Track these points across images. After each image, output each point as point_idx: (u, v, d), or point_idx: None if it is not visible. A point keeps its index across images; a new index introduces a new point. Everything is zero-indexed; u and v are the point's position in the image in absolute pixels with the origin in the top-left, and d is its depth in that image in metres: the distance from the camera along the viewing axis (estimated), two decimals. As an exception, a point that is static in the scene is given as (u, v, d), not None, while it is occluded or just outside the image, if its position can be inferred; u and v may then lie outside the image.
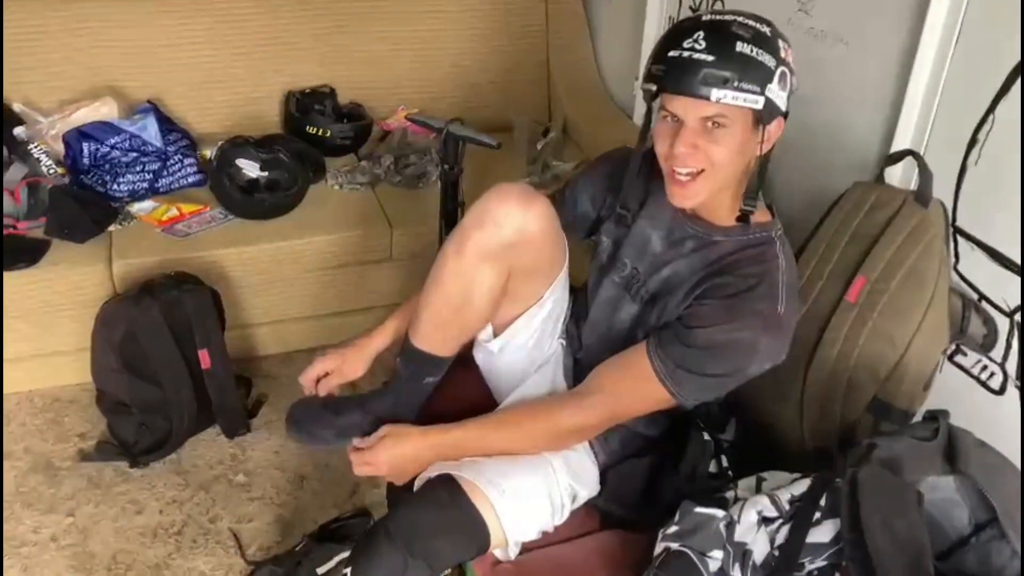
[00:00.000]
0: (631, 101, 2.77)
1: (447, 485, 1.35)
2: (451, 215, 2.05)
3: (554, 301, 1.55)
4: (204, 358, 2.06)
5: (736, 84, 1.19)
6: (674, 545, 1.26)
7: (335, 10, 2.82)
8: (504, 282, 1.46)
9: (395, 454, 1.42)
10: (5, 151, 2.30)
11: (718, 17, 1.24)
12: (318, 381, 1.61)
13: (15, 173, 2.28)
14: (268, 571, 1.86)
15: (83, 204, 2.25)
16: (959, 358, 1.62)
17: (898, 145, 1.65)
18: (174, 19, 2.66)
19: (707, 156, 1.26)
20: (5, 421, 2.27)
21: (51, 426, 2.25)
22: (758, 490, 1.39)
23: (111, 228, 2.30)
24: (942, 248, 1.41)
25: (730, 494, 1.38)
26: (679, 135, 1.26)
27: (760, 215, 1.37)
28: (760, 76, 1.21)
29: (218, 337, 2.08)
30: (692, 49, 1.20)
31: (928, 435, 1.19)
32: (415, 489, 1.40)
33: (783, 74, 1.23)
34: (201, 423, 2.17)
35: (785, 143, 2.03)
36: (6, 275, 2.12)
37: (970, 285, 1.57)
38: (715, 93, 1.19)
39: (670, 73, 1.22)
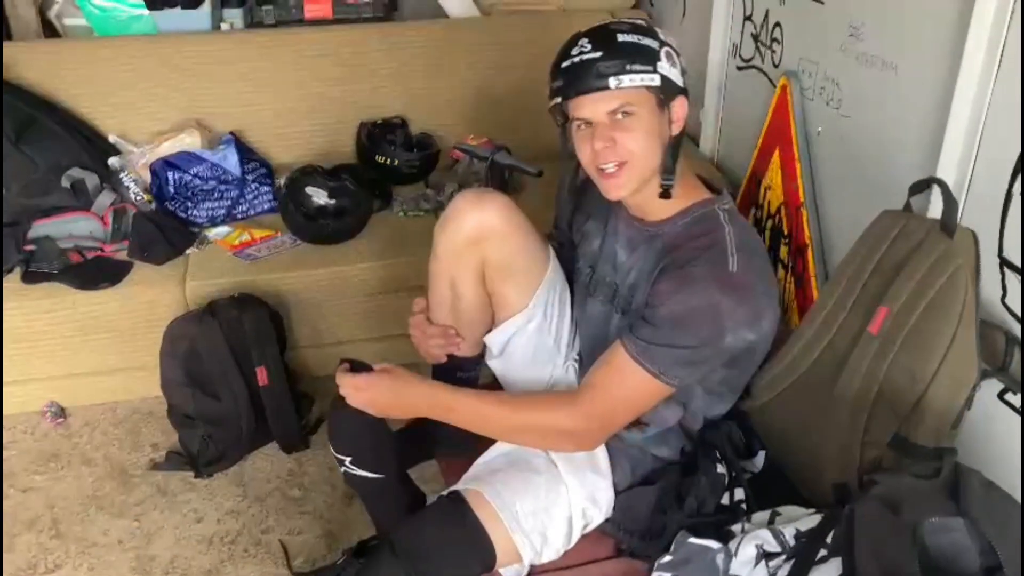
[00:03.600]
0: (697, 128, 2.75)
1: (456, 502, 1.39)
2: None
3: (545, 312, 1.60)
4: (261, 375, 2.16)
5: (629, 68, 1.29)
6: (667, 575, 1.25)
7: (412, 43, 2.94)
8: (482, 271, 1.57)
9: (386, 394, 1.41)
10: (97, 179, 2.50)
11: (596, 25, 1.35)
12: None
13: (104, 200, 2.47)
14: (309, 583, 1.93)
15: (163, 229, 2.41)
16: (1009, 396, 1.54)
17: (942, 172, 1.58)
18: (258, 58, 2.83)
19: (624, 147, 1.33)
20: (91, 429, 2.44)
21: (129, 436, 2.41)
22: (771, 524, 1.36)
23: (188, 251, 2.45)
24: (969, 280, 1.34)
25: (737, 527, 1.35)
26: (595, 135, 1.34)
27: (698, 193, 1.44)
28: (648, 56, 1.31)
29: (275, 355, 2.19)
30: (581, 53, 1.31)
31: (930, 473, 1.14)
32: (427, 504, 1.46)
33: (669, 53, 1.33)
34: (260, 438, 2.27)
35: (834, 169, 2.01)
36: (91, 294, 2.29)
37: (1018, 319, 1.48)
38: (612, 81, 1.29)
39: (568, 80, 1.32)
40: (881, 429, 1.37)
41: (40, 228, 2.39)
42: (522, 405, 1.45)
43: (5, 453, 2.35)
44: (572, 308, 1.65)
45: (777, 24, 2.24)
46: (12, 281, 2.31)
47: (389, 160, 2.76)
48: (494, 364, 1.68)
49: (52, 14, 3.11)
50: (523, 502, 1.39)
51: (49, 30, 3.13)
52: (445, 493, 1.44)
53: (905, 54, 1.75)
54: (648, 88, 1.31)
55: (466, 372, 1.70)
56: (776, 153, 2.20)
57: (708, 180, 1.51)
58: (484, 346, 1.68)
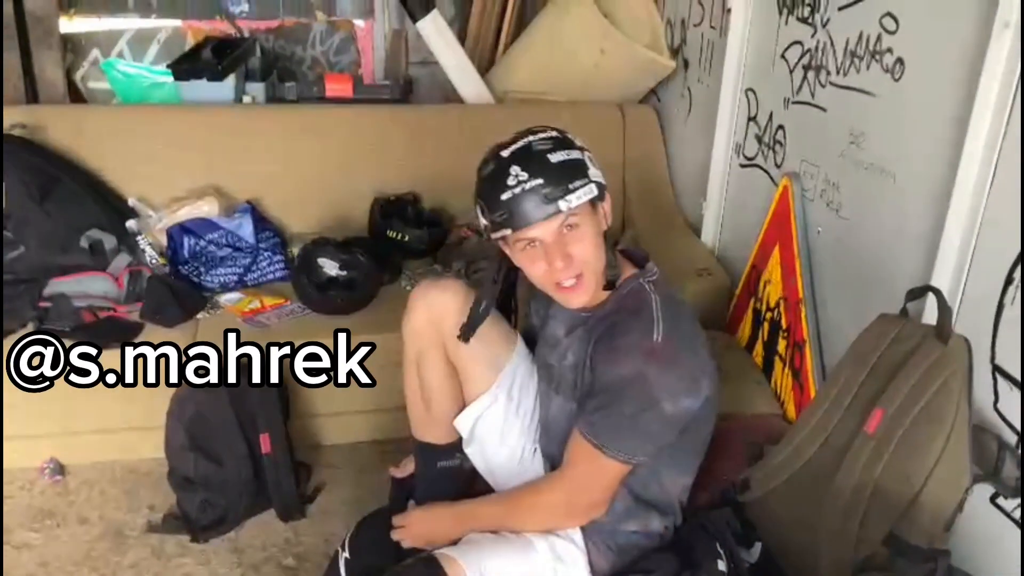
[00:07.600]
0: (699, 221, 2.83)
1: (429, 563, 1.44)
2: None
3: (509, 394, 1.64)
4: (265, 442, 2.18)
5: (572, 187, 1.33)
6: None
7: (428, 125, 3.05)
8: (444, 355, 1.64)
9: (423, 528, 1.63)
10: (115, 241, 2.56)
11: (517, 147, 1.37)
12: None
13: (120, 261, 2.52)
14: (300, 656, 1.92)
15: (176, 293, 2.46)
16: (1001, 500, 1.57)
17: (937, 279, 1.65)
18: (278, 131, 2.95)
19: (580, 259, 1.37)
20: (88, 487, 2.44)
21: (126, 496, 2.40)
22: (767, 618, 1.39)
23: (199, 315, 2.49)
24: (962, 387, 1.39)
25: (734, 619, 1.38)
26: (549, 254, 1.36)
27: (624, 270, 1.49)
28: (581, 170, 1.35)
29: (279, 424, 2.21)
30: (521, 183, 1.33)
31: (924, 574, 1.17)
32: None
33: (591, 157, 1.38)
34: (259, 504, 2.27)
35: (833, 268, 2.08)
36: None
37: (1010, 425, 1.53)
38: (562, 204, 1.32)
39: (516, 213, 1.34)
40: (876, 527, 1.40)
41: (56, 285, 2.44)
42: (514, 494, 1.58)
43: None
44: None
45: (780, 127, 2.34)
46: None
47: (400, 235, 2.83)
48: (471, 452, 1.72)
49: (78, 77, 3.24)
50: (491, 561, 1.45)
51: (74, 92, 3.25)
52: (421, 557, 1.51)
53: (903, 163, 1.83)
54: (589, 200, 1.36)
55: (446, 460, 1.75)
56: (776, 249, 2.26)
57: (632, 252, 1.58)
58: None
